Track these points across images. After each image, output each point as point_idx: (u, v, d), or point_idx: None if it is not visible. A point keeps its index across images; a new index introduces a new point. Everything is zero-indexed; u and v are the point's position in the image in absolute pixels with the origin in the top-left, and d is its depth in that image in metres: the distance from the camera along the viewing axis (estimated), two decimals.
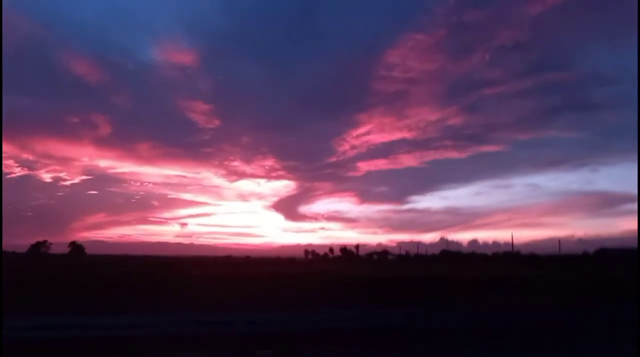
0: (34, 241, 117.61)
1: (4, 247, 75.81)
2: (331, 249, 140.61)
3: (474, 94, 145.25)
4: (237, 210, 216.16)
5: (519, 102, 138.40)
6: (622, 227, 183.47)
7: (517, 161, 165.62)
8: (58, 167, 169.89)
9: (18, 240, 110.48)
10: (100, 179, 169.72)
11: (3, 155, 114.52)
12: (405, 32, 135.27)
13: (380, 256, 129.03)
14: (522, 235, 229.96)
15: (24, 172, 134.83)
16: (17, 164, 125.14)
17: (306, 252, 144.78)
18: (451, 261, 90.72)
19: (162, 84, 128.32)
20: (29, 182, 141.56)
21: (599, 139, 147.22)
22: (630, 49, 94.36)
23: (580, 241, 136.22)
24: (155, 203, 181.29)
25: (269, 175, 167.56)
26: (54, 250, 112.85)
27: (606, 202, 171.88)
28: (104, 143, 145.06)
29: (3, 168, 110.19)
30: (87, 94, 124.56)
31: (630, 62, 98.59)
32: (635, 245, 78.35)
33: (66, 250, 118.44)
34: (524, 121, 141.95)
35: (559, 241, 72.31)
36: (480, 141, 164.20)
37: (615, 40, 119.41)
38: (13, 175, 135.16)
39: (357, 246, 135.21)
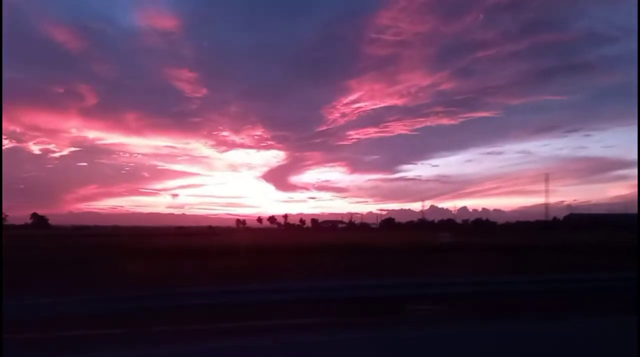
0: (29, 212, 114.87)
1: None
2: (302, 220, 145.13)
3: (466, 57, 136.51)
4: (228, 180, 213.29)
5: (512, 64, 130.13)
6: (612, 193, 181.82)
7: (508, 127, 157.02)
8: (46, 139, 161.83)
9: (13, 212, 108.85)
10: (90, 150, 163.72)
11: None
12: None
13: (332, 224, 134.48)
14: (511, 202, 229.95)
15: (12, 144, 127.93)
16: (5, 136, 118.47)
17: (238, 221, 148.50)
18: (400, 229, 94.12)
19: (145, 52, 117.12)
20: (17, 155, 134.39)
21: (592, 102, 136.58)
22: (628, 5, 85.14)
23: (569, 207, 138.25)
24: (146, 174, 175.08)
25: (258, 145, 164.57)
26: (12, 221, 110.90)
27: (597, 168, 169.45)
28: (91, 114, 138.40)
29: None
30: (69, 63, 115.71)
31: (627, 20, 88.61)
32: (623, 210, 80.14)
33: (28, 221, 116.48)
34: (517, 85, 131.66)
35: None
36: (472, 107, 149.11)
37: None
38: (2, 147, 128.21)
39: (286, 216, 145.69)
